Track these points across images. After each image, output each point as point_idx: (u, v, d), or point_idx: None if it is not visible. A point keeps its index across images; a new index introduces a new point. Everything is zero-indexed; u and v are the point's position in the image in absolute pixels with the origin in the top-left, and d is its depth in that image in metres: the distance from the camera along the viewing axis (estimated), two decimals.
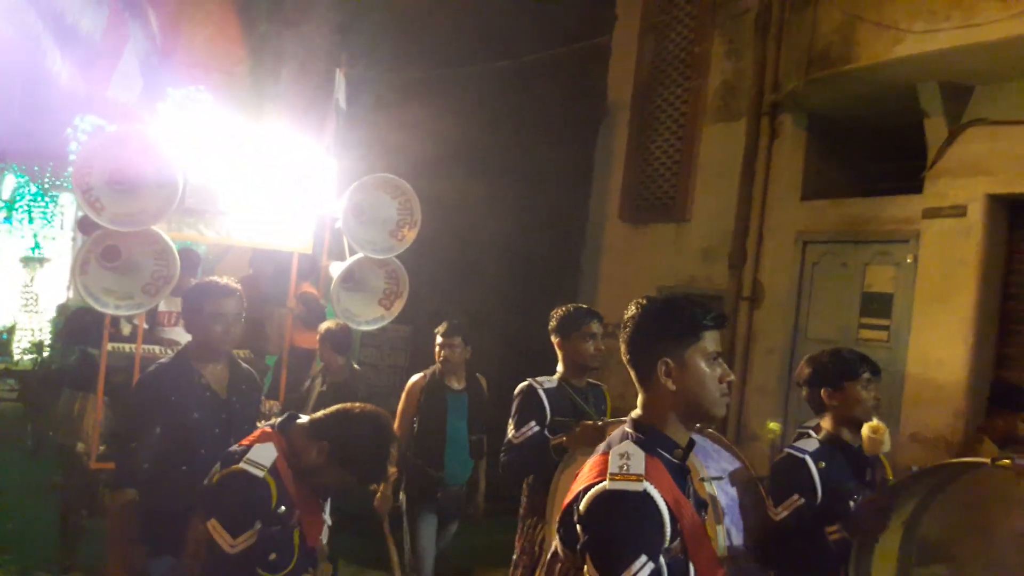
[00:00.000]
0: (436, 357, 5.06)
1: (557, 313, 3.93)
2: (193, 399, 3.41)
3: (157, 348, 4.98)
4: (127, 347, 5.09)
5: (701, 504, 2.04)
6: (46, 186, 12.20)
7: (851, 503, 2.91)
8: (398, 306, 5.39)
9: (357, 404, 2.68)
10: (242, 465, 2.48)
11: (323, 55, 9.38)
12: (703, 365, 1.97)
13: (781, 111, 6.77)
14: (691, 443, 2.03)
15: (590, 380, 3.99)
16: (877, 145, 6.38)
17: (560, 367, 3.93)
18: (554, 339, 3.95)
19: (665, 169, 7.92)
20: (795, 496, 3.02)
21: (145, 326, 5.12)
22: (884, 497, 2.73)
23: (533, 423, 3.73)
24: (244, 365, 3.72)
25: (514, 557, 3.89)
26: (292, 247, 5.30)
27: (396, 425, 5.02)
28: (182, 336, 4.96)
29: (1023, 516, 2.72)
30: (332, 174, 5.44)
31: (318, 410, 2.70)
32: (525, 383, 3.88)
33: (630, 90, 8.24)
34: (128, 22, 5.08)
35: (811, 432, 3.25)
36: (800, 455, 3.10)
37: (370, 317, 5.38)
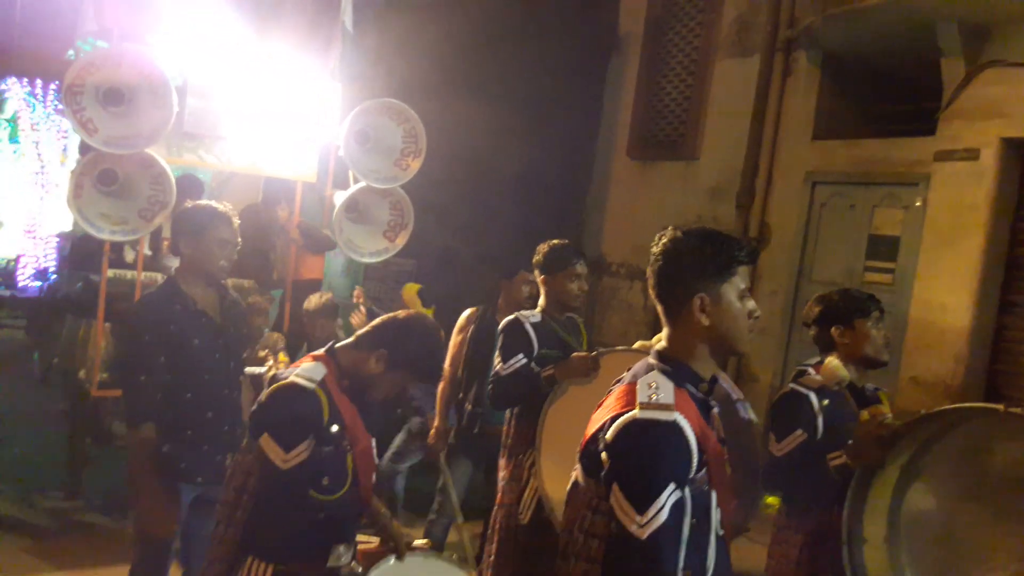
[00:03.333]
0: (510, 296, 4.72)
1: (542, 249, 3.92)
2: (191, 326, 3.37)
3: (160, 276, 4.79)
4: (129, 274, 5.00)
5: (722, 440, 2.05)
6: (50, 108, 12.06)
7: (850, 440, 2.92)
8: (403, 238, 5.26)
9: (400, 312, 2.67)
10: (292, 378, 2.45)
11: None
12: (736, 300, 1.93)
13: (796, 48, 6.64)
14: (715, 379, 2.03)
15: (567, 314, 4.03)
16: (892, 86, 6.27)
17: (542, 302, 3.95)
18: (538, 275, 3.96)
19: (676, 105, 7.80)
20: (798, 431, 3.06)
21: (148, 252, 5.03)
22: (884, 427, 2.75)
23: (520, 355, 3.76)
24: (231, 291, 3.69)
25: (501, 484, 3.96)
26: (296, 175, 5.16)
27: (448, 361, 4.97)
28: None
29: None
30: (337, 99, 5.25)
31: None
32: (511, 317, 3.90)
33: (642, 22, 8.08)
34: None
35: (810, 369, 3.27)
36: (804, 391, 3.13)
37: (373, 249, 5.26)
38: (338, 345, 2.62)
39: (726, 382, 3.23)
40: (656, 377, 1.93)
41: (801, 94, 6.62)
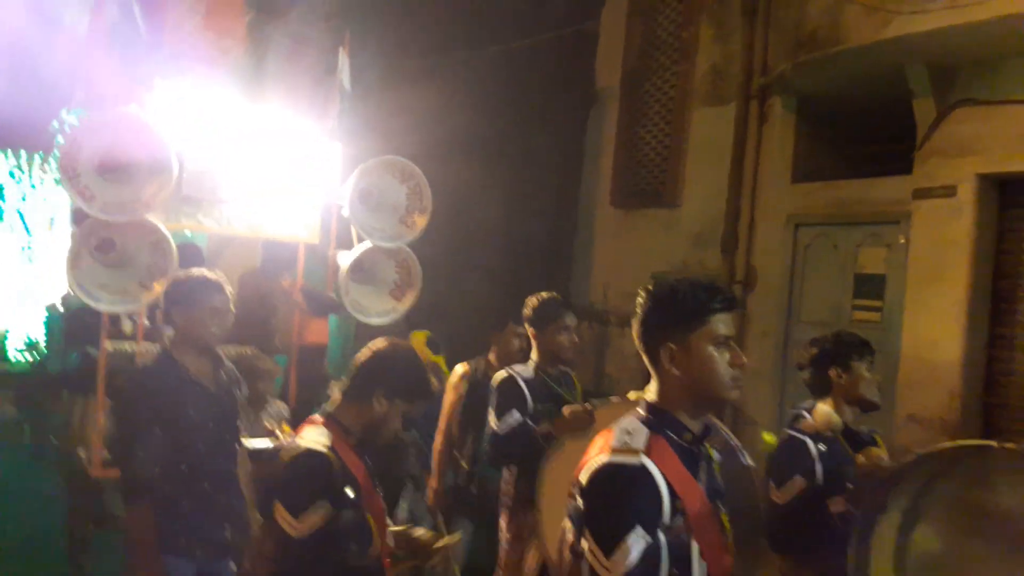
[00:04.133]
0: (501, 349, 4.80)
1: (531, 303, 3.94)
2: (186, 396, 3.36)
3: (159, 347, 4.69)
4: (128, 346, 4.87)
5: (716, 492, 2.05)
6: (35, 180, 12.09)
7: (849, 485, 2.93)
8: (410, 297, 5.12)
9: (368, 347, 2.68)
10: (303, 444, 2.46)
11: (325, 35, 9.23)
12: (710, 349, 1.96)
13: (770, 94, 6.77)
14: (707, 429, 2.05)
15: (560, 367, 4.02)
16: (867, 127, 6.40)
17: (534, 356, 3.96)
18: (529, 329, 3.98)
19: (655, 154, 7.91)
20: (797, 478, 3.07)
21: (146, 323, 4.92)
22: (883, 470, 2.76)
23: (515, 412, 3.76)
24: (226, 360, 3.68)
25: (504, 545, 3.92)
26: (298, 237, 5.01)
27: (443, 421, 4.94)
28: None
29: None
30: (337, 158, 5.16)
31: None
32: (504, 373, 3.91)
33: (619, 75, 8.22)
34: (111, 12, 4.85)
35: (804, 413, 3.28)
36: (801, 437, 3.14)
37: (380, 309, 5.11)
38: (330, 408, 2.62)
39: (724, 430, 3.24)
40: (632, 424, 1.99)
41: (778, 139, 6.73)
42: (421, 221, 5.00)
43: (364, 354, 2.64)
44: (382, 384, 2.55)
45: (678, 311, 2.00)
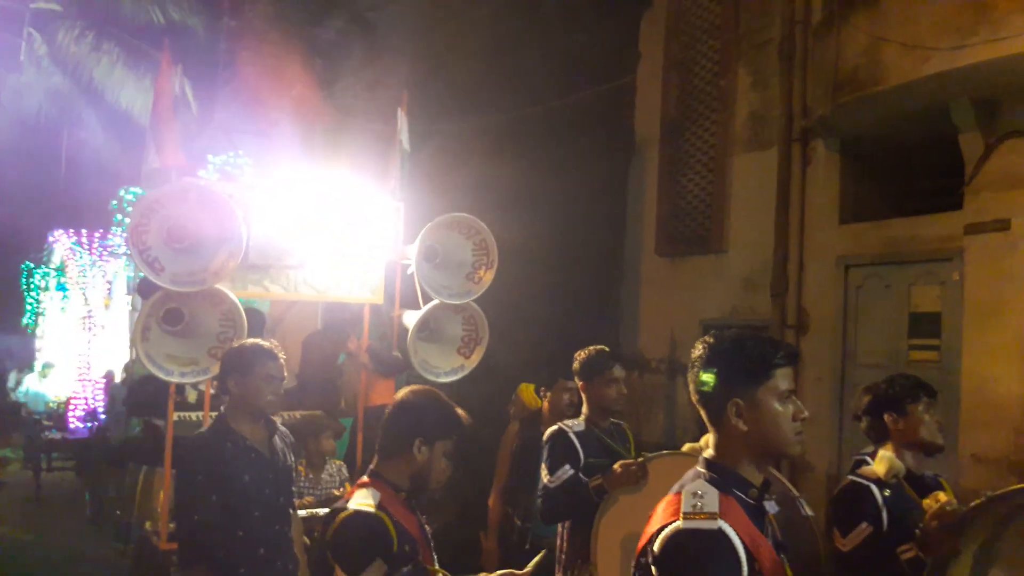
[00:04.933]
0: (552, 404, 4.77)
1: (580, 356, 3.94)
2: (242, 463, 3.41)
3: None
4: (194, 415, 4.88)
5: (780, 545, 2.01)
6: (95, 254, 12.52)
7: (917, 531, 2.84)
8: (478, 354, 5.06)
9: (396, 398, 2.69)
10: (350, 507, 2.48)
11: (379, 101, 9.42)
12: (775, 404, 1.94)
13: (812, 137, 6.75)
14: (767, 483, 2.01)
15: (612, 420, 4.00)
16: (913, 164, 6.33)
17: (585, 409, 3.94)
18: (578, 382, 3.97)
19: (699, 202, 7.92)
20: (863, 524, 2.99)
21: (212, 392, 4.89)
22: (952, 514, 2.67)
23: (567, 466, 3.73)
24: (277, 422, 3.72)
25: None
26: (362, 298, 5.01)
27: (498, 478, 4.93)
28: None
29: None
30: (400, 218, 5.18)
31: None
32: (555, 427, 3.89)
33: (658, 127, 8.29)
34: (171, 90, 5.02)
35: (868, 459, 3.21)
36: (865, 483, 3.07)
37: (449, 368, 5.05)
38: (373, 467, 2.64)
39: (782, 481, 3.19)
40: (701, 486, 1.93)
41: (823, 180, 6.70)
42: (488, 276, 4.96)
43: (392, 408, 2.65)
44: (418, 432, 2.57)
45: (745, 365, 1.97)
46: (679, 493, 1.95)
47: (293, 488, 3.75)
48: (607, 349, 3.98)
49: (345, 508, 2.48)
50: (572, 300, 8.67)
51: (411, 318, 4.96)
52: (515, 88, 9.43)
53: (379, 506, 2.45)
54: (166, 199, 4.24)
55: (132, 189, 10.75)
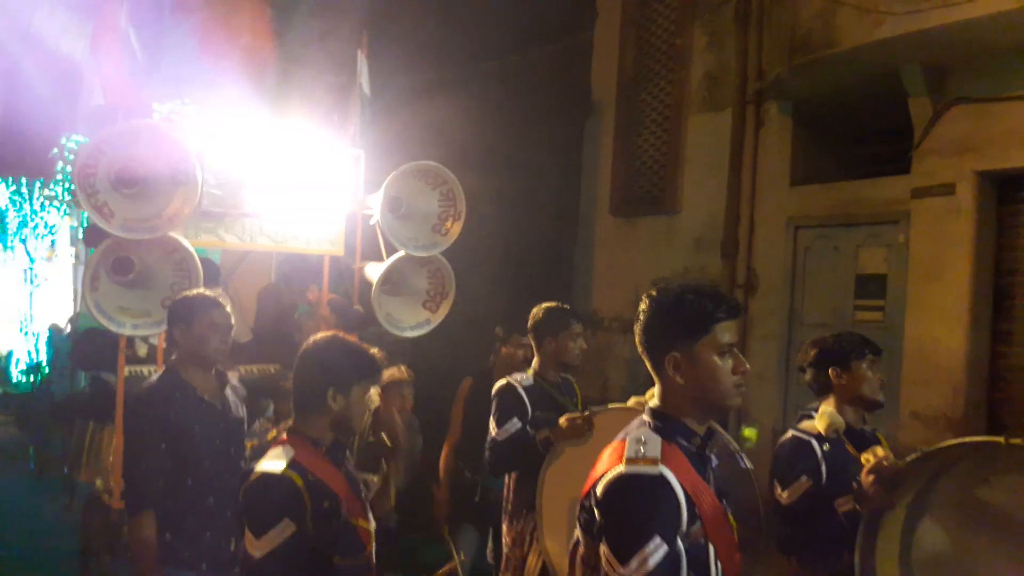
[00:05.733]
0: (505, 359, 4.80)
1: (539, 312, 3.97)
2: (191, 413, 3.39)
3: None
4: (145, 370, 4.70)
5: (722, 493, 2.06)
6: (36, 206, 12.18)
7: (854, 484, 2.93)
8: (444, 308, 4.91)
9: (300, 353, 2.65)
10: (257, 468, 2.46)
11: (337, 46, 9.13)
12: (714, 358, 1.97)
13: (766, 99, 6.79)
14: (710, 432, 2.06)
15: (562, 375, 4.05)
16: (864, 127, 6.42)
17: (535, 364, 3.99)
18: (536, 337, 3.99)
19: (653, 162, 7.94)
20: (803, 478, 3.07)
21: (163, 345, 4.69)
22: (888, 469, 2.76)
23: (515, 419, 3.79)
24: (230, 375, 3.68)
25: (505, 551, 3.94)
26: (321, 249, 4.85)
27: (449, 432, 4.94)
28: None
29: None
30: (360, 166, 4.96)
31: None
32: (503, 381, 3.94)
33: (614, 85, 8.26)
34: (113, 27, 4.72)
35: (812, 413, 3.29)
36: (805, 437, 3.14)
37: (415, 322, 4.92)
38: (291, 424, 2.61)
39: (723, 434, 3.25)
40: (645, 432, 1.98)
41: (775, 142, 6.76)
42: (456, 228, 4.81)
43: (298, 361, 2.61)
44: (329, 381, 2.53)
45: (684, 320, 2.00)
46: (624, 440, 1.99)
47: (246, 441, 3.71)
48: (566, 305, 4.02)
49: (252, 470, 2.46)
50: (526, 258, 8.68)
51: (374, 271, 4.81)
52: (472, 43, 9.31)
53: (290, 464, 2.41)
54: (115, 140, 4.01)
55: (75, 137, 10.43)
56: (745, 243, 6.94)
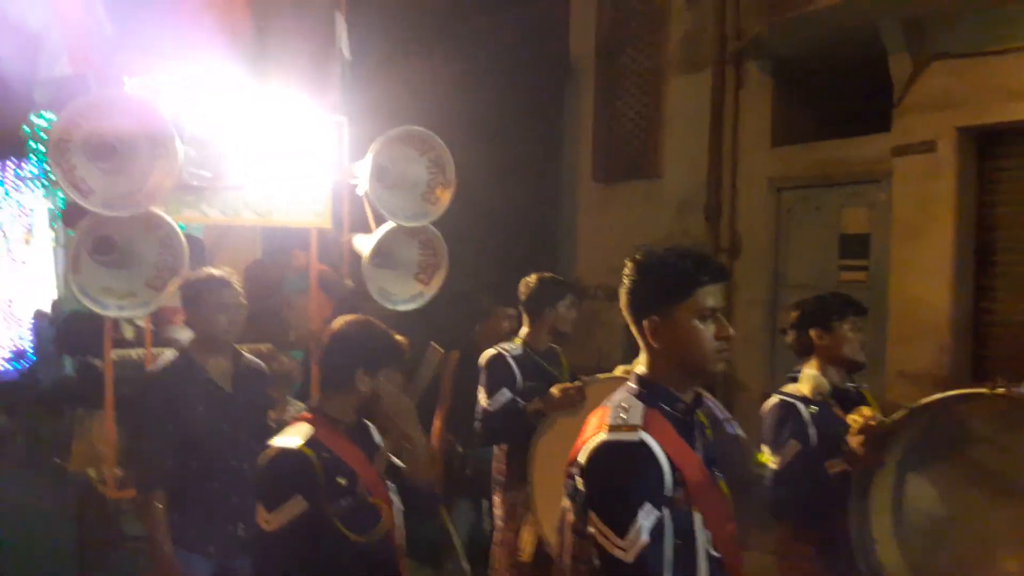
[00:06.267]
0: (491, 329, 4.77)
1: (530, 283, 3.94)
2: (197, 395, 3.37)
3: (169, 351, 4.01)
4: (134, 353, 4.55)
5: (713, 460, 2.04)
6: (9, 187, 11.96)
7: (844, 445, 2.93)
8: (438, 280, 4.72)
9: (328, 332, 2.65)
10: (274, 444, 2.47)
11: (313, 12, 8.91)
12: (695, 322, 1.93)
13: (745, 59, 6.74)
14: (698, 398, 2.03)
15: (550, 344, 4.03)
16: (844, 86, 6.37)
17: (524, 333, 3.96)
18: (529, 308, 3.97)
19: (634, 126, 7.88)
20: (792, 442, 3.07)
21: (151, 327, 4.63)
22: (875, 427, 2.76)
23: (505, 390, 3.77)
24: (248, 357, 3.65)
25: (498, 523, 3.94)
26: (307, 221, 4.65)
27: (441, 404, 4.92)
28: (186, 334, 4.59)
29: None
30: (344, 134, 4.76)
31: None
32: (492, 351, 3.91)
33: (592, 49, 8.17)
34: (73, 5, 4.49)
35: (798, 375, 3.28)
36: (791, 400, 3.14)
37: (407, 295, 4.71)
38: (315, 403, 2.62)
39: (711, 401, 3.24)
40: (627, 399, 1.97)
41: (756, 103, 6.71)
42: (446, 196, 4.59)
43: (328, 340, 2.61)
44: (359, 362, 2.53)
45: (664, 283, 1.97)
46: (607, 407, 1.97)
47: (266, 423, 3.63)
48: (556, 276, 4.00)
49: (269, 447, 2.47)
50: (509, 226, 8.62)
51: (363, 243, 4.64)
52: (446, 4, 9.15)
53: (308, 441, 2.43)
54: (89, 111, 3.80)
55: (44, 113, 10.22)
56: (728, 206, 6.92)
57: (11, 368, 11.47)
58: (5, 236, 12.17)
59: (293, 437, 2.45)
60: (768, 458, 3.09)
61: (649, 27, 7.67)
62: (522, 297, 3.97)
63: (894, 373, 5.53)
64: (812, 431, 3.05)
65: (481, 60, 8.74)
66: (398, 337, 2.65)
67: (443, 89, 8.28)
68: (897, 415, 2.76)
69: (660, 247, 2.07)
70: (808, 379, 3.16)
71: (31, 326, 11.26)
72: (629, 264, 2.05)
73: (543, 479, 3.53)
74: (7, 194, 12.01)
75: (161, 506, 3.27)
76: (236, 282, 3.50)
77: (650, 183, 7.62)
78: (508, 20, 8.81)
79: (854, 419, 2.87)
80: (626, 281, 2.04)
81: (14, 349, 11.58)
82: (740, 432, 3.25)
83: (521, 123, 8.50)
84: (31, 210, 12.13)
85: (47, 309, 10.79)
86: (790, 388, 3.20)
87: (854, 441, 2.80)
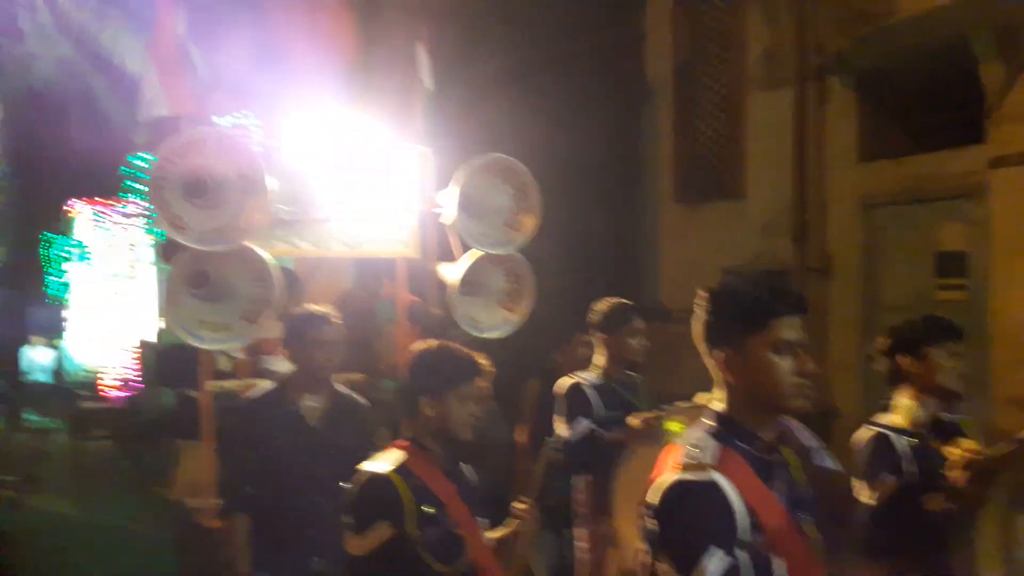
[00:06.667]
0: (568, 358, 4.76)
1: (599, 309, 3.90)
2: (281, 428, 3.44)
3: (266, 382, 4.05)
4: (230, 384, 4.55)
5: (800, 501, 1.94)
6: (114, 223, 12.57)
7: (945, 480, 2.78)
8: (524, 307, 4.70)
9: (392, 362, 2.72)
10: (364, 468, 2.51)
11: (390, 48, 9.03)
12: (770, 355, 1.83)
13: (828, 74, 6.55)
14: (781, 434, 1.94)
15: (627, 372, 3.96)
16: (933, 97, 6.13)
17: (601, 362, 3.90)
18: (596, 335, 3.92)
19: (714, 145, 7.77)
20: (886, 476, 2.92)
21: (247, 358, 4.77)
22: (979, 461, 2.60)
23: (583, 419, 3.72)
24: (346, 394, 3.67)
25: (580, 555, 3.89)
26: (395, 251, 4.71)
27: (524, 436, 4.90)
28: (284, 364, 4.61)
29: None
30: (429, 163, 4.81)
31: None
32: (569, 380, 3.87)
33: (670, 69, 8.09)
34: (171, 37, 4.67)
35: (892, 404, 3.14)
36: (884, 432, 2.99)
37: (494, 323, 4.71)
38: (407, 431, 2.63)
39: (800, 429, 3.11)
40: (701, 437, 1.89)
41: (841, 119, 6.52)
42: (530, 223, 4.59)
43: (408, 365, 2.67)
44: (421, 389, 2.55)
45: (737, 314, 1.89)
46: (680, 444, 1.92)
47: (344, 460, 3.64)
48: (626, 301, 3.94)
49: (360, 472, 2.51)
50: (590, 251, 8.57)
51: (449, 271, 4.66)
52: (521, 34, 9.22)
53: (398, 468, 2.46)
54: (182, 149, 3.95)
55: (140, 155, 10.70)
56: (816, 225, 6.72)
57: (118, 396, 11.98)
58: (111, 270, 12.79)
59: (383, 463, 2.49)
60: (862, 494, 2.95)
61: (727, 45, 7.57)
62: (592, 324, 3.92)
63: (1002, 399, 5.23)
64: (909, 464, 2.90)
65: (558, 87, 8.77)
66: (470, 355, 2.61)
67: (522, 117, 8.33)
68: (1003, 447, 2.61)
69: (741, 273, 2.01)
70: (903, 409, 3.01)
71: (136, 356, 11.76)
72: (702, 293, 1.99)
73: (626, 511, 3.47)
74: (113, 231, 12.63)
75: (242, 533, 3.37)
76: (336, 319, 3.57)
77: (733, 203, 7.47)
78: (584, 46, 8.82)
79: (953, 452, 2.73)
80: (698, 311, 1.98)
81: (120, 379, 12.10)
82: (832, 463, 3.11)
83: (599, 147, 8.47)
84: (135, 245, 12.71)
85: (148, 339, 11.25)
86: (884, 419, 3.05)
87: (956, 476, 2.65)
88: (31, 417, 14.09)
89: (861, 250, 6.37)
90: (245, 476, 3.41)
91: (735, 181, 7.44)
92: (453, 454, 2.64)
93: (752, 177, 7.30)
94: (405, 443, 2.58)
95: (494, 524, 4.76)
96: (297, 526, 3.41)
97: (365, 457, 3.53)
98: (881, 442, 2.98)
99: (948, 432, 2.98)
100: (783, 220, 6.89)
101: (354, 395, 3.72)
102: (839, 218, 6.54)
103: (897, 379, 3.12)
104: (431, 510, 2.44)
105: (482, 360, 2.61)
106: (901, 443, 2.95)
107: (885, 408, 3.16)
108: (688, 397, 3.78)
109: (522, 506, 2.72)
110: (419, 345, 2.70)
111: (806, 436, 3.05)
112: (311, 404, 3.52)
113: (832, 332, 6.45)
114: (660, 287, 8.17)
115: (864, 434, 3.07)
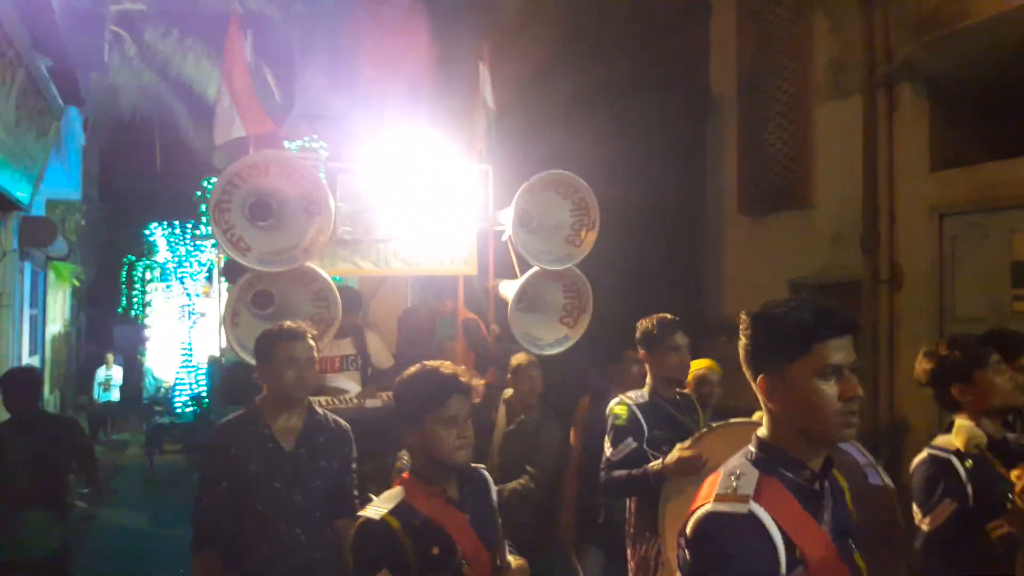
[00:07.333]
0: (621, 376, 4.66)
1: (642, 325, 3.81)
2: (252, 453, 3.20)
3: (323, 399, 4.12)
4: None
5: (847, 528, 1.86)
6: (189, 244, 12.99)
7: (1009, 505, 2.65)
8: (583, 323, 4.71)
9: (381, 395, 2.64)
10: (361, 513, 2.42)
11: (456, 67, 9.06)
12: (814, 381, 1.76)
13: (897, 81, 6.36)
14: (829, 463, 1.85)
15: (680, 391, 3.87)
16: (1006, 103, 5.88)
17: (648, 380, 3.82)
18: (640, 352, 3.85)
19: (781, 156, 7.61)
20: (946, 501, 2.79)
21: None
22: None
23: (630, 439, 3.64)
24: (325, 415, 3.43)
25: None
26: (454, 269, 4.72)
27: (574, 453, 4.84)
28: (348, 383, 4.62)
29: None
30: (489, 181, 4.81)
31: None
32: (616, 399, 3.80)
33: (734, 80, 7.97)
34: (242, 60, 4.75)
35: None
36: (943, 455, 2.86)
37: (553, 339, 4.71)
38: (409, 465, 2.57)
39: (851, 446, 2.98)
40: (741, 465, 1.82)
41: (911, 127, 6.32)
42: (590, 238, 4.57)
43: (381, 404, 2.63)
44: (403, 419, 2.46)
45: (778, 338, 1.82)
46: (720, 472, 1.85)
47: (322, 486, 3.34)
48: (669, 316, 3.85)
49: (358, 516, 2.44)
50: (653, 266, 8.48)
51: (508, 288, 4.64)
52: (585, 51, 9.21)
53: (395, 508, 2.36)
54: (245, 173, 3.97)
55: (212, 178, 11.06)
56: (887, 235, 6.51)
57: (188, 412, 12.35)
58: (186, 290, 13.21)
59: (379, 506, 2.38)
60: (919, 519, 2.82)
61: (792, 55, 7.42)
62: (637, 341, 3.85)
63: None
64: (969, 489, 2.76)
65: (621, 102, 8.73)
66: (450, 370, 2.46)
67: (583, 132, 8.31)
68: None
69: (783, 299, 1.94)
70: (961, 430, 2.87)
71: (206, 372, 12.12)
72: (744, 317, 1.93)
73: (675, 532, 3.39)
74: (188, 252, 13.06)
75: (210, 569, 3.16)
76: (310, 335, 3.31)
77: (801, 214, 7.30)
78: (647, 60, 8.77)
79: (1018, 475, 2.59)
80: (741, 336, 1.92)
81: (191, 394, 12.48)
82: (886, 480, 2.99)
83: (662, 161, 8.39)
84: (210, 264, 13.11)
85: (219, 355, 11.56)
86: (942, 441, 2.91)
87: (1021, 500, 2.52)
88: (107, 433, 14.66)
89: (933, 261, 6.14)
90: (219, 507, 3.18)
91: (802, 191, 7.28)
92: (460, 479, 2.51)
93: (820, 187, 7.13)
94: (407, 476, 2.48)
95: (540, 529, 4.67)
96: (272, 558, 3.16)
97: (344, 484, 3.36)
98: (940, 465, 2.86)
99: (1014, 455, 2.84)
100: (852, 231, 6.70)
101: (333, 416, 3.48)
102: (910, 228, 6.33)
103: (951, 406, 2.98)
104: (438, 550, 2.32)
105: (464, 376, 2.48)
106: (961, 466, 2.81)
107: (949, 428, 3.02)
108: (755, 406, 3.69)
109: (517, 562, 2.56)
110: (407, 371, 2.57)
111: (856, 452, 2.94)
112: (286, 425, 3.28)
113: (902, 345, 6.23)
114: (725, 302, 8.02)
115: (921, 457, 2.95)
